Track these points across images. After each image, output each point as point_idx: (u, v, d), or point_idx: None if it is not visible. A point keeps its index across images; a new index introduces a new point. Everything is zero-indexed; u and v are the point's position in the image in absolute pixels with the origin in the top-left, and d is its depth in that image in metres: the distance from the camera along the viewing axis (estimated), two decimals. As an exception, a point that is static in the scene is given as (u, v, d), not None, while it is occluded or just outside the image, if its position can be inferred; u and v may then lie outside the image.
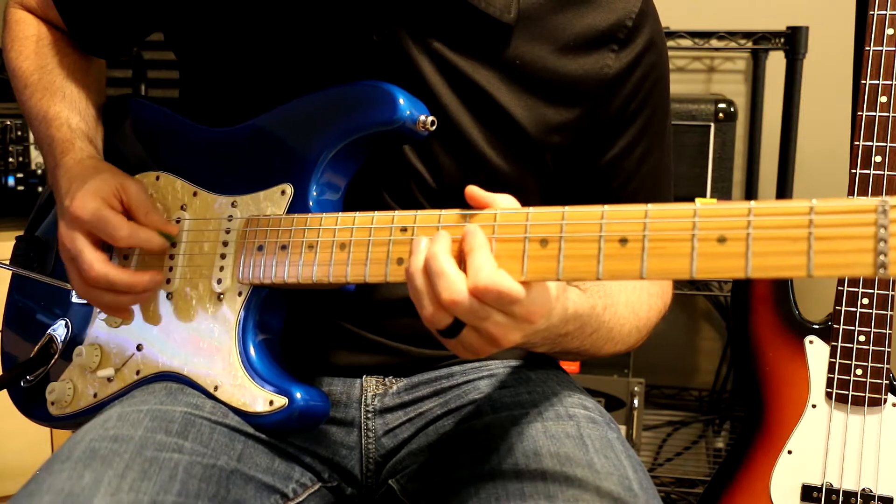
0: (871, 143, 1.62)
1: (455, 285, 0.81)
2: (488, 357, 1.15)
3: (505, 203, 0.87)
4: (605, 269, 0.79)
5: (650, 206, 0.78)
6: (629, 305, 1.08)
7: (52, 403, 1.15)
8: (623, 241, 0.78)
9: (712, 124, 2.14)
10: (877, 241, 0.68)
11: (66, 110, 1.19)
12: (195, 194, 1.11)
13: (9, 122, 2.21)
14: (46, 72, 1.22)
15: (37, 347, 1.20)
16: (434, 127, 1.00)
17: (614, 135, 1.11)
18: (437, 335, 0.87)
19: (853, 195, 1.63)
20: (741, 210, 0.73)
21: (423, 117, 0.99)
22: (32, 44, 1.25)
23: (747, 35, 2.28)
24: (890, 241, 0.67)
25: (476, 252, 0.83)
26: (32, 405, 1.21)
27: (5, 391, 1.23)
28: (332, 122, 1.02)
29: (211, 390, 1.03)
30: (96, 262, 1.04)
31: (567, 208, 0.82)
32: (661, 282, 1.15)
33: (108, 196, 1.06)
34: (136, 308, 1.11)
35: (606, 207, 0.80)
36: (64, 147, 1.15)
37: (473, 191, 0.87)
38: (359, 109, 1.01)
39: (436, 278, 0.82)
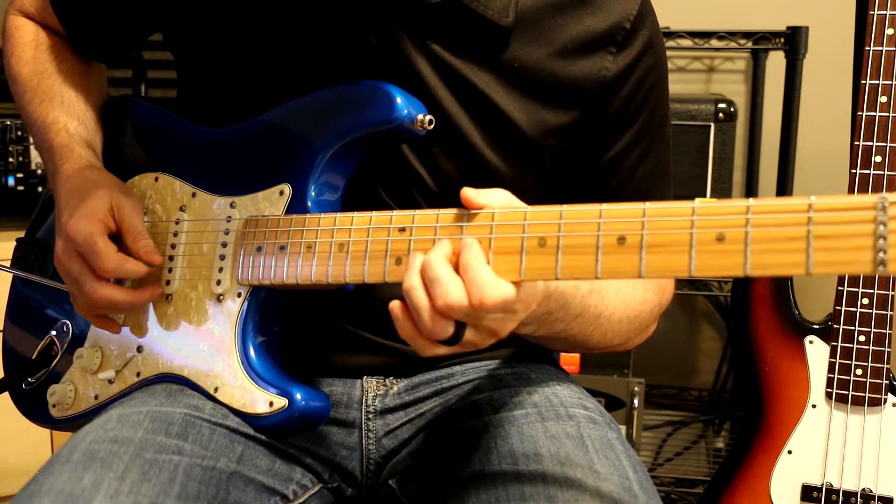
0: (871, 143, 1.62)
1: (451, 292, 0.82)
2: (488, 357, 1.16)
3: (499, 198, 0.87)
4: (603, 268, 0.79)
5: (648, 204, 0.78)
6: (620, 295, 1.07)
7: (54, 406, 1.15)
8: (621, 239, 0.78)
9: (712, 124, 2.14)
10: (876, 239, 0.68)
11: (65, 115, 1.19)
12: (194, 195, 1.11)
13: (9, 122, 2.22)
14: (45, 77, 1.22)
15: (37, 349, 1.20)
16: (432, 126, 1.00)
17: (613, 137, 1.11)
18: (436, 349, 0.87)
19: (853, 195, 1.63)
20: (740, 208, 0.73)
21: (420, 116, 0.99)
22: (31, 49, 1.25)
23: (747, 35, 2.28)
24: (889, 239, 0.67)
25: (474, 267, 0.83)
26: (34, 407, 1.21)
27: (6, 393, 1.23)
28: (330, 121, 1.02)
29: (211, 392, 1.03)
30: (98, 286, 1.05)
31: (565, 207, 0.82)
32: (659, 279, 1.15)
33: (104, 216, 1.06)
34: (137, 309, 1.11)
35: (604, 206, 0.80)
36: (62, 153, 1.15)
37: (468, 193, 0.87)
38: (356, 109, 1.00)
39: (431, 284, 0.83)
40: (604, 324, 1.06)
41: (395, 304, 0.86)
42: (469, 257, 0.83)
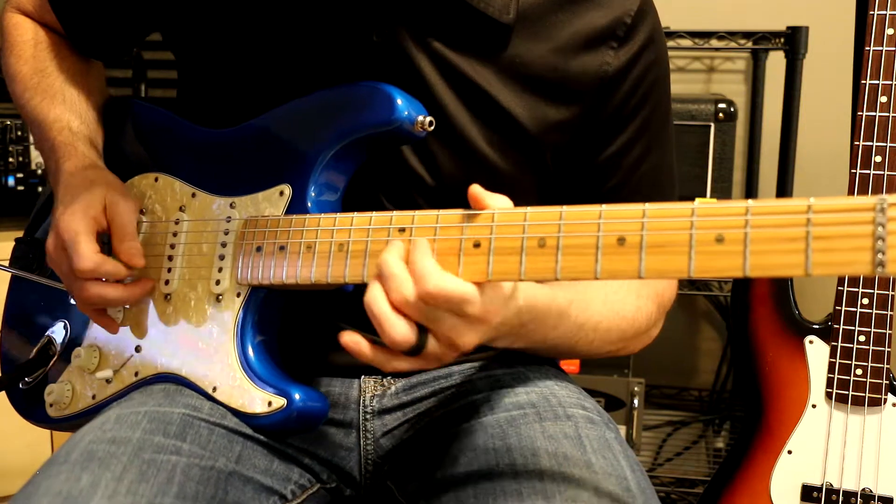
0: (871, 143, 1.62)
1: (403, 284, 0.83)
2: (487, 357, 1.15)
3: (501, 204, 0.87)
4: (603, 269, 0.79)
5: (648, 205, 0.78)
6: (608, 304, 1.07)
7: (51, 405, 1.15)
8: (621, 240, 0.78)
9: (712, 124, 2.14)
10: (875, 240, 0.68)
11: (67, 113, 1.19)
12: (194, 195, 1.11)
13: (9, 122, 2.22)
14: (45, 75, 1.22)
15: (35, 349, 1.20)
16: (432, 127, 1.00)
17: (613, 132, 1.11)
18: (398, 362, 0.88)
19: (853, 195, 1.63)
20: (739, 209, 0.73)
21: (420, 118, 0.99)
22: (30, 48, 1.25)
23: (747, 35, 2.28)
24: (888, 240, 0.67)
25: (418, 260, 0.84)
26: (31, 407, 1.20)
27: (4, 392, 1.22)
28: (331, 122, 1.02)
29: (209, 391, 1.03)
30: (86, 282, 1.04)
31: (565, 208, 0.82)
32: (657, 284, 1.14)
33: (97, 213, 1.06)
34: (135, 309, 1.11)
35: (604, 207, 0.80)
36: (66, 151, 1.15)
37: (476, 190, 0.87)
38: (357, 110, 1.00)
39: (385, 281, 0.84)
40: (589, 333, 1.05)
41: (343, 337, 0.88)
42: (415, 253, 0.85)
